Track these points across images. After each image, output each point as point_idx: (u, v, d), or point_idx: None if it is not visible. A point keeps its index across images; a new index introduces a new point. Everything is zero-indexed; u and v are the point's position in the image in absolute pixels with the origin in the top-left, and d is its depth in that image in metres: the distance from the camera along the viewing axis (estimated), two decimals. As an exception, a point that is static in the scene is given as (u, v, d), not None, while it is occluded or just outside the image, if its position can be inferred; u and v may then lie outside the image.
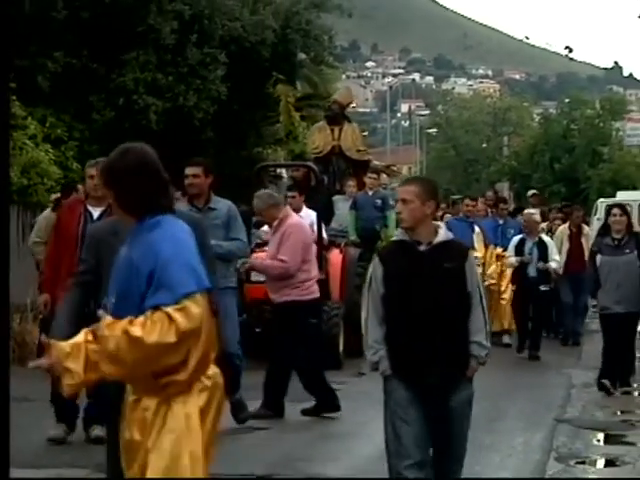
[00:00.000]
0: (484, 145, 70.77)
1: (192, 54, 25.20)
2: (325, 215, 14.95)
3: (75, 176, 21.09)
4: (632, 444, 9.64)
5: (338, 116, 17.33)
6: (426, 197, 5.98)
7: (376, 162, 19.15)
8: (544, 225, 17.93)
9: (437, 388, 5.94)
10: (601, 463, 9.06)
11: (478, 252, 15.08)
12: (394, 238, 6.34)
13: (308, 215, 13.93)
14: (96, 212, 8.91)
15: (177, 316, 4.18)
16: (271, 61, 26.83)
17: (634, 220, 28.42)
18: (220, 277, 8.65)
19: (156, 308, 4.21)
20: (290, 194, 14.10)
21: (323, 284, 13.30)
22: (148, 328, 4.17)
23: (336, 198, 16.38)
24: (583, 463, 8.87)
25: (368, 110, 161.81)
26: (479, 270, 14.68)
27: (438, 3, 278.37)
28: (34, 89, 22.35)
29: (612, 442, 9.92)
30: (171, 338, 4.17)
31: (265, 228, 14.76)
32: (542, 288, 15.06)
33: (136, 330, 4.17)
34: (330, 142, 17.04)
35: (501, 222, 17.16)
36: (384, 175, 17.75)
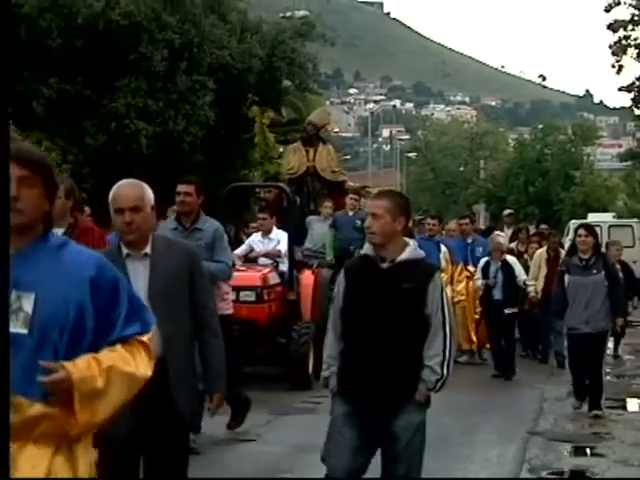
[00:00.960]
0: (461, 168, 70.90)
1: (182, 81, 25.26)
2: (298, 236, 14.56)
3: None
4: (601, 456, 9.64)
5: (313, 137, 16.78)
6: (397, 212, 5.59)
7: (351, 183, 18.00)
8: (516, 245, 17.72)
9: (379, 411, 5.55)
10: (572, 474, 9.07)
11: (445, 272, 14.59)
12: (361, 252, 5.95)
13: (278, 236, 13.60)
14: (57, 232, 8.50)
15: (151, 347, 3.58)
16: (257, 88, 26.89)
17: (604, 240, 28.84)
18: None
19: (127, 339, 3.52)
20: (261, 216, 13.79)
21: (294, 305, 13.24)
22: (136, 360, 3.50)
23: (311, 219, 15.79)
24: (554, 474, 8.88)
25: (351, 135, 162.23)
26: (446, 290, 14.74)
27: (418, 33, 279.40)
28: (29, 114, 22.38)
29: (582, 454, 9.92)
30: (150, 370, 3.57)
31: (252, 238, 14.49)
32: (506, 311, 14.49)
33: (124, 364, 3.44)
34: (305, 163, 16.54)
35: (469, 241, 16.55)
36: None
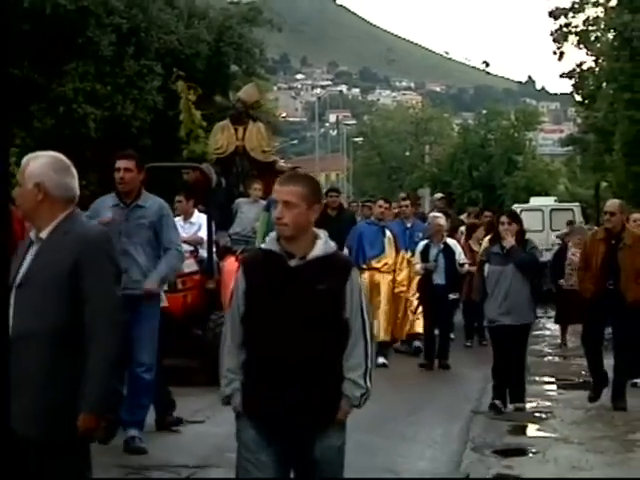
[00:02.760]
0: (407, 153, 71.19)
1: (129, 66, 25.11)
2: (224, 219, 13.67)
3: (15, 181, 20.92)
4: (541, 434, 9.78)
5: (242, 115, 15.47)
6: (313, 200, 4.70)
7: (282, 163, 16.77)
8: (462, 229, 17.56)
9: (295, 434, 4.64)
10: (514, 452, 9.17)
11: (389, 258, 14.05)
12: (262, 246, 4.82)
13: (199, 220, 12.47)
14: None
15: None
16: (205, 73, 26.79)
17: (545, 224, 29.08)
18: (142, 280, 8.22)
19: None
20: (177, 199, 12.57)
21: (213, 293, 11.88)
22: None
23: (239, 201, 14.54)
24: (497, 453, 8.97)
25: (298, 120, 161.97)
26: (389, 277, 14.08)
27: (364, 19, 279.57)
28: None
29: (524, 433, 10.03)
30: None
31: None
32: (451, 296, 13.69)
33: None
34: (234, 142, 15.22)
35: (409, 225, 15.27)
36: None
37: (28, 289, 4.58)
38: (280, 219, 4.63)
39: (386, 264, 14.09)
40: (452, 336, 15.09)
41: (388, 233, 14.18)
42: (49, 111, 24.18)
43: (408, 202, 15.99)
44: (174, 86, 18.93)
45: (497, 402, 10.53)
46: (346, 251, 13.57)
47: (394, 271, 14.19)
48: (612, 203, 11.10)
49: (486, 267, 10.73)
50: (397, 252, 14.31)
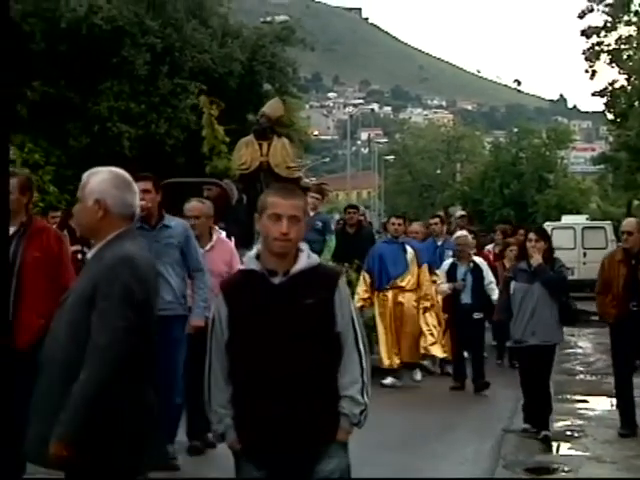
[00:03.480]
0: (438, 171, 71.05)
1: (163, 84, 25.24)
2: (245, 236, 13.02)
3: (52, 199, 21.08)
4: (573, 453, 9.69)
5: (267, 130, 15.00)
6: (306, 212, 4.50)
7: (307, 180, 16.15)
8: (490, 247, 17.27)
9: (297, 461, 4.30)
10: (545, 471, 9.09)
11: (413, 275, 13.42)
12: (242, 267, 4.52)
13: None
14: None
15: None
16: (238, 91, 26.87)
17: (577, 242, 28.89)
18: (174, 302, 8.18)
19: None
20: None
21: None
22: None
23: None
24: (528, 471, 8.90)
25: (330, 138, 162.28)
26: (413, 297, 13.42)
27: (396, 38, 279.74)
28: (13, 117, 22.27)
29: (556, 451, 9.95)
30: None
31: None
32: (475, 316, 12.97)
33: None
34: (258, 158, 14.77)
35: (439, 243, 14.92)
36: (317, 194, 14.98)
37: (60, 312, 4.52)
38: (286, 235, 4.26)
39: (410, 281, 13.56)
40: (485, 354, 14.49)
41: (409, 249, 13.62)
42: (84, 129, 24.33)
43: (437, 220, 15.67)
44: (197, 101, 18.18)
45: (526, 426, 10.24)
46: (366, 274, 13.30)
47: (418, 287, 13.59)
48: (629, 222, 10.56)
49: (512, 284, 10.25)
50: (419, 267, 13.68)
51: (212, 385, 4.39)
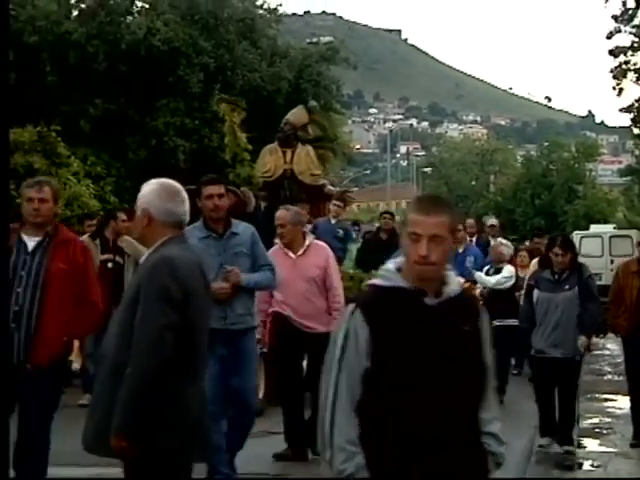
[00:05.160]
0: (473, 183, 70.74)
1: (216, 101, 25.31)
2: (265, 244, 12.68)
3: (111, 207, 21.19)
4: (602, 449, 9.58)
5: (291, 138, 14.23)
6: (454, 228, 3.56)
7: (331, 187, 15.31)
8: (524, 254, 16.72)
9: None
10: (576, 466, 8.99)
11: None
12: (381, 282, 3.54)
13: None
14: (31, 243, 6.28)
15: None
16: (285, 108, 26.88)
17: (604, 250, 28.62)
18: (247, 314, 7.29)
19: None
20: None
21: None
22: None
23: None
24: (560, 466, 8.81)
25: (371, 151, 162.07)
26: None
27: (433, 57, 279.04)
28: (77, 132, 22.48)
29: (585, 447, 9.83)
30: None
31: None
32: (496, 323, 10.83)
33: None
34: (282, 165, 14.04)
35: (460, 250, 13.96)
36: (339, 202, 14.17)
37: (115, 313, 4.59)
38: (426, 257, 3.40)
39: None
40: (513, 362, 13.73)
41: None
42: (142, 143, 24.47)
43: (460, 227, 14.49)
44: (217, 108, 17.43)
45: (544, 441, 9.46)
46: None
47: None
48: None
49: (535, 293, 9.40)
50: None
51: (338, 418, 3.44)
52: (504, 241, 13.58)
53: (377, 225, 15.50)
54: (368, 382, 3.38)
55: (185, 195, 4.72)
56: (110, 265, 11.03)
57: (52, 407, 6.20)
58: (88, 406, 4.67)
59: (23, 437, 6.04)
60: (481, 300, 12.14)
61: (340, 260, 12.34)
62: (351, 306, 3.49)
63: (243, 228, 7.43)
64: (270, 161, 14.20)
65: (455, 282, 3.54)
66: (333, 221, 13.39)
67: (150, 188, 4.66)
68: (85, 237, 11.58)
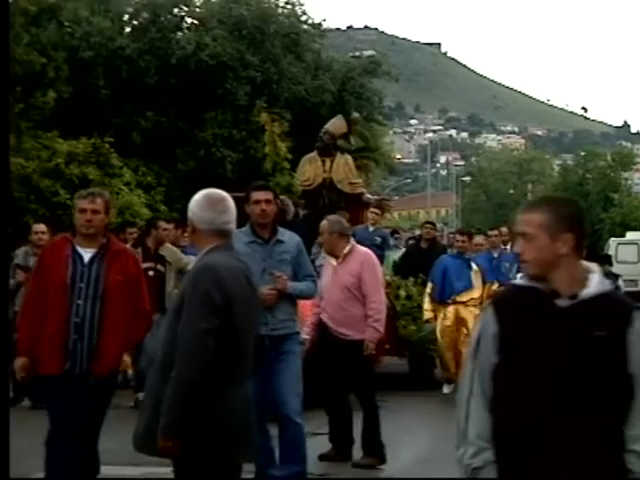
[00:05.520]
0: (511, 191, 70.47)
1: (256, 111, 25.38)
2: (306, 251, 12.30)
3: (162, 216, 21.30)
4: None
5: (330, 147, 14.11)
6: (558, 228, 3.35)
7: (369, 195, 14.97)
8: None
9: None
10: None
11: (476, 292, 12.33)
12: (519, 282, 3.51)
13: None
14: (87, 254, 6.14)
15: None
16: (329, 119, 26.83)
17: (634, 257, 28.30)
18: (289, 320, 7.14)
19: None
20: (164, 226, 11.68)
21: None
22: None
23: None
24: None
25: (411, 161, 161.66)
26: (476, 312, 12.06)
27: (472, 70, 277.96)
28: (129, 143, 22.63)
29: None
30: None
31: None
32: None
33: None
34: (321, 174, 13.94)
35: (495, 255, 13.77)
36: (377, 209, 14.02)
37: (164, 319, 4.65)
38: (521, 255, 3.40)
39: (472, 298, 12.32)
40: None
41: (474, 266, 12.46)
42: (191, 154, 24.57)
43: (496, 232, 14.65)
44: (257, 118, 17.17)
45: None
46: (430, 285, 12.31)
47: (481, 304, 12.32)
48: None
49: None
50: (484, 285, 12.54)
51: (471, 413, 3.37)
52: None
53: (418, 234, 15.37)
54: (496, 379, 3.30)
55: (230, 204, 4.69)
56: (151, 273, 10.96)
57: (105, 413, 6.20)
58: (139, 407, 4.71)
59: (79, 443, 5.99)
60: None
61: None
62: (487, 303, 3.42)
63: (289, 237, 7.25)
64: (309, 170, 14.16)
65: (597, 284, 3.33)
66: (371, 228, 13.24)
67: (194, 199, 4.67)
68: (127, 245, 11.52)
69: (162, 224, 11.83)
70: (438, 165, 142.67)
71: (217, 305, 4.38)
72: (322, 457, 8.69)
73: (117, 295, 6.05)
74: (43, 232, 11.89)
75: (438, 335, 12.39)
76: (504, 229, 17.02)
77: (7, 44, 5.91)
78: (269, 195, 7.07)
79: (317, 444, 9.14)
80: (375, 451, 8.65)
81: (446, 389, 12.28)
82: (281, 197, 12.06)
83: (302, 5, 28.37)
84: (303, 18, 28.55)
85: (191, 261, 11.78)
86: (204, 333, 4.32)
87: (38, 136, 18.59)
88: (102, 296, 6.03)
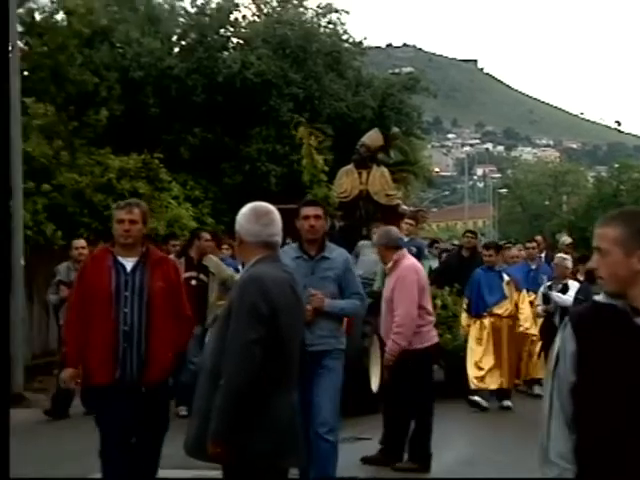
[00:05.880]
0: (546, 202, 69.90)
1: (293, 124, 25.42)
2: None
3: (209, 229, 21.38)
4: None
5: (366, 159, 14.08)
6: (633, 244, 3.11)
7: (405, 207, 14.97)
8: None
9: None
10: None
11: (510, 303, 12.15)
12: (597, 298, 3.27)
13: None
14: (128, 263, 6.08)
15: None
16: (369, 134, 26.87)
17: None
18: (329, 336, 6.94)
19: None
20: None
21: None
22: None
23: (362, 244, 12.94)
24: None
25: (449, 174, 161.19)
26: (510, 323, 12.18)
27: (508, 85, 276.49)
28: (178, 159, 22.76)
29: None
30: None
31: None
32: None
33: None
34: (357, 186, 13.89)
35: (533, 267, 13.71)
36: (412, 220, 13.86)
37: (214, 326, 4.66)
38: (596, 270, 3.23)
39: (507, 309, 12.21)
40: None
41: (506, 277, 12.31)
42: (237, 169, 24.65)
43: (534, 244, 14.53)
44: (295, 132, 17.10)
45: None
46: (465, 301, 12.28)
47: (515, 314, 12.33)
48: None
49: None
50: (518, 293, 12.39)
51: (552, 431, 3.22)
52: (565, 256, 13.09)
53: (458, 243, 15.27)
54: (575, 397, 3.15)
55: (275, 216, 4.69)
56: (194, 282, 11.00)
57: (166, 422, 6.13)
58: (189, 415, 4.71)
59: (138, 452, 5.95)
60: (543, 316, 12.10)
61: None
62: (565, 319, 3.28)
63: (337, 254, 7.06)
64: (346, 182, 14.09)
65: None
66: (406, 239, 12.97)
67: (242, 212, 4.69)
68: (170, 256, 11.50)
69: (205, 235, 11.94)
70: (475, 178, 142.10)
71: (263, 315, 4.38)
72: (365, 460, 8.65)
73: (161, 302, 5.99)
74: (83, 247, 12.02)
75: (471, 344, 12.27)
76: (539, 238, 16.84)
77: (7, 46, 5.95)
78: (318, 211, 6.94)
79: (359, 449, 9.12)
80: (421, 458, 8.59)
81: (476, 397, 12.01)
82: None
83: (343, 24, 28.39)
84: (344, 37, 28.57)
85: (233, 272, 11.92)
86: (252, 343, 4.32)
87: (91, 152, 18.74)
88: (147, 303, 5.97)
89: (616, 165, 59.33)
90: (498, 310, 12.23)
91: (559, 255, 12.96)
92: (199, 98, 24.37)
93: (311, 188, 15.05)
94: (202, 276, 11.22)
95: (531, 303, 12.72)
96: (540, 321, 12.56)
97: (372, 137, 14.95)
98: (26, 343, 13.99)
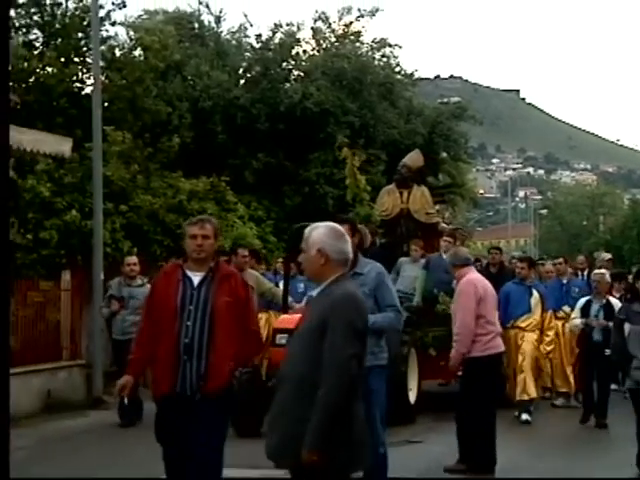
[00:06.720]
0: (584, 222, 69.14)
1: (337, 146, 25.36)
2: None
3: (272, 247, 21.42)
4: None
5: (407, 179, 13.86)
6: None
7: (444, 224, 14.42)
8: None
9: None
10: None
11: (535, 317, 11.84)
12: None
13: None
14: (196, 278, 5.87)
15: None
16: (420, 159, 26.73)
17: None
18: (368, 353, 6.57)
19: None
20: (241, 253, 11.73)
21: None
22: None
23: (402, 260, 12.80)
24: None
25: (493, 195, 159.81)
26: (534, 336, 11.84)
27: (548, 114, 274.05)
28: (243, 181, 22.85)
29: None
30: None
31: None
32: (607, 352, 10.10)
33: None
34: (398, 205, 13.70)
35: (565, 281, 13.44)
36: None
37: (296, 338, 4.50)
38: None
39: (531, 323, 11.83)
40: (614, 387, 12.28)
41: (535, 293, 11.94)
42: (297, 191, 24.68)
43: (561, 260, 14.21)
44: (339, 153, 16.71)
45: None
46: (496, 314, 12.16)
47: (540, 330, 11.96)
48: None
49: (627, 326, 8.24)
50: (543, 311, 12.00)
51: None
52: (604, 271, 12.51)
53: (486, 261, 15.02)
54: None
55: (348, 236, 4.65)
56: None
57: (223, 431, 5.86)
58: (268, 420, 4.53)
59: (196, 461, 5.71)
60: (580, 329, 11.49)
61: (438, 291, 12.20)
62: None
63: (370, 269, 6.70)
64: (388, 201, 13.92)
65: None
66: (444, 256, 12.57)
67: (323, 231, 4.56)
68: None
69: (241, 251, 11.81)
70: (517, 199, 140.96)
71: (360, 331, 4.33)
72: (447, 469, 8.36)
73: (225, 316, 5.74)
74: (135, 264, 11.98)
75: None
76: (581, 257, 16.51)
77: (7, 48, 5.85)
78: (345, 228, 6.56)
79: (410, 452, 8.99)
80: (479, 462, 8.31)
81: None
82: (359, 226, 12.11)
83: (396, 58, 28.40)
84: (397, 69, 28.56)
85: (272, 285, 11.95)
86: (350, 358, 4.23)
87: (164, 176, 18.87)
88: (210, 317, 5.73)
89: (651, 188, 58.49)
90: (521, 323, 11.87)
91: (597, 271, 12.43)
92: (263, 126, 24.46)
93: (354, 207, 14.97)
94: None
95: (562, 318, 12.58)
96: (572, 333, 12.13)
97: (413, 158, 14.77)
98: (104, 351, 14.01)
